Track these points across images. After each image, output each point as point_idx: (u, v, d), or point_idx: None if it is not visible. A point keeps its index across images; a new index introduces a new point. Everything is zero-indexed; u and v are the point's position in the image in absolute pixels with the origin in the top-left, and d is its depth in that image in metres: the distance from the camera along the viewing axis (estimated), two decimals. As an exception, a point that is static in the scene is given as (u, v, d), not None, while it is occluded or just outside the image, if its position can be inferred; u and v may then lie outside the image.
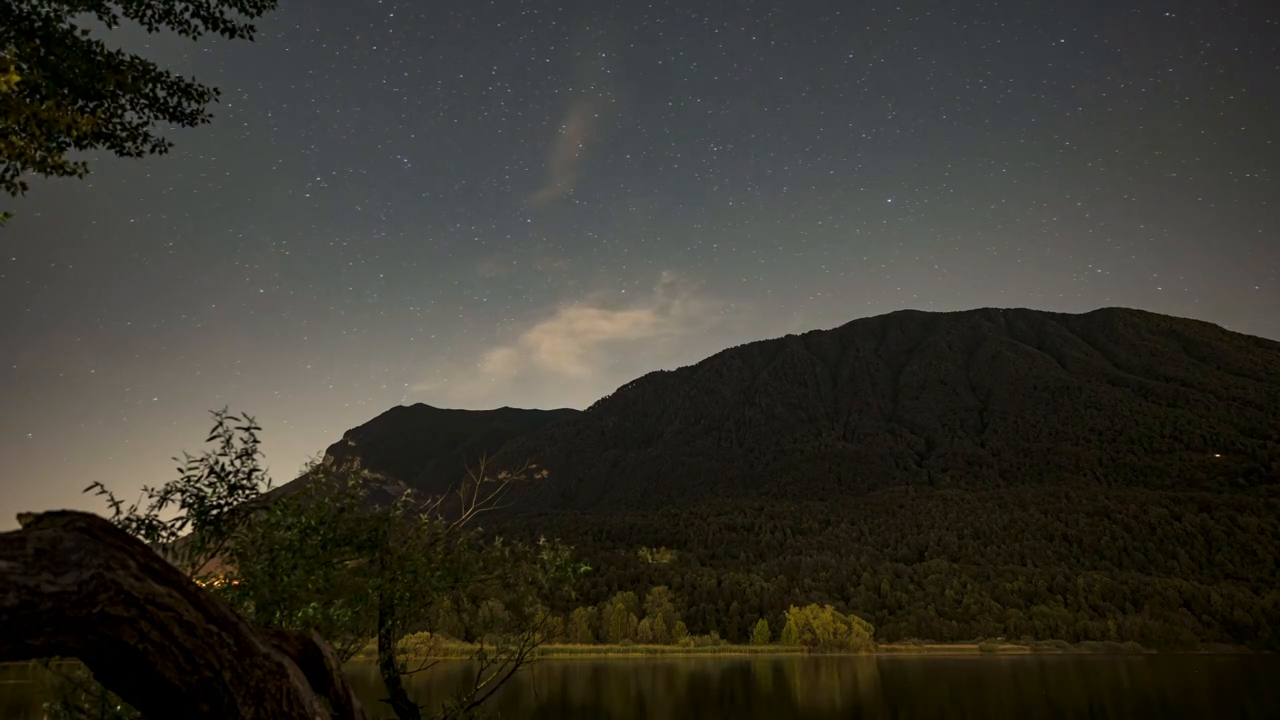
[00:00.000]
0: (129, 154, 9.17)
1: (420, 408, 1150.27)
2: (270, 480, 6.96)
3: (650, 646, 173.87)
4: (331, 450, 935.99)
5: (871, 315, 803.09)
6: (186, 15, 8.84)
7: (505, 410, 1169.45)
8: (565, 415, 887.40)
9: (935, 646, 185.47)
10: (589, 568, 9.34)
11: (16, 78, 7.23)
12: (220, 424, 6.60)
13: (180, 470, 6.42)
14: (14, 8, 7.68)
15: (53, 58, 7.97)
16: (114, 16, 8.54)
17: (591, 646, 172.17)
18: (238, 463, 6.68)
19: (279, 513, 7.11)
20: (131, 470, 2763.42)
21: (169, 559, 6.15)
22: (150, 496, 6.22)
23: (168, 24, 8.89)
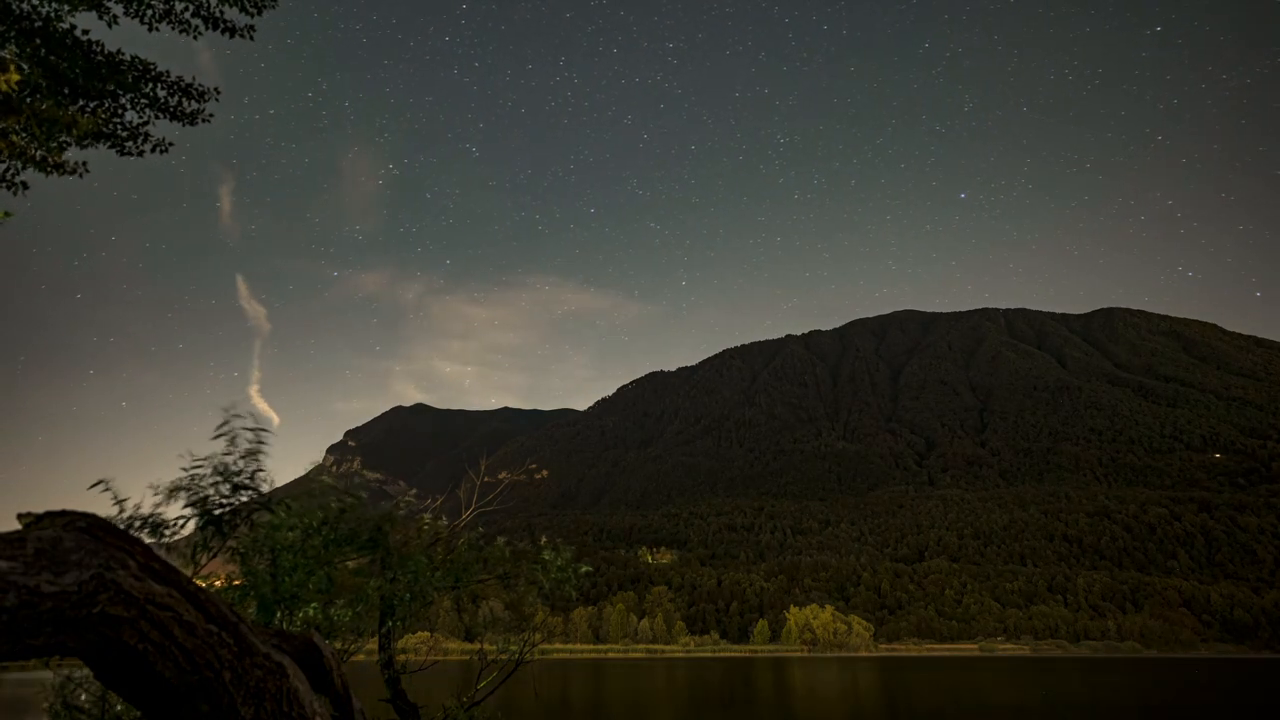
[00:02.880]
0: (130, 154, 9.17)
1: (420, 408, 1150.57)
2: (273, 480, 6.95)
3: (650, 646, 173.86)
4: (331, 450, 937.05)
5: (871, 315, 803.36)
6: (187, 15, 8.84)
7: (505, 410, 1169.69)
8: (565, 415, 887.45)
9: (935, 646, 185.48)
10: (589, 568, 9.33)
11: (17, 77, 7.22)
12: (226, 422, 6.58)
13: (184, 469, 6.41)
14: (14, 7, 7.68)
15: (53, 57, 7.96)
16: (114, 16, 8.54)
17: (591, 646, 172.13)
18: (242, 463, 6.66)
19: (282, 514, 7.10)
20: (210, 440, 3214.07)
21: (172, 559, 6.14)
22: (155, 495, 6.21)
23: (168, 24, 8.89)
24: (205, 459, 6.48)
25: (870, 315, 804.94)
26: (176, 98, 9.18)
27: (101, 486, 5.61)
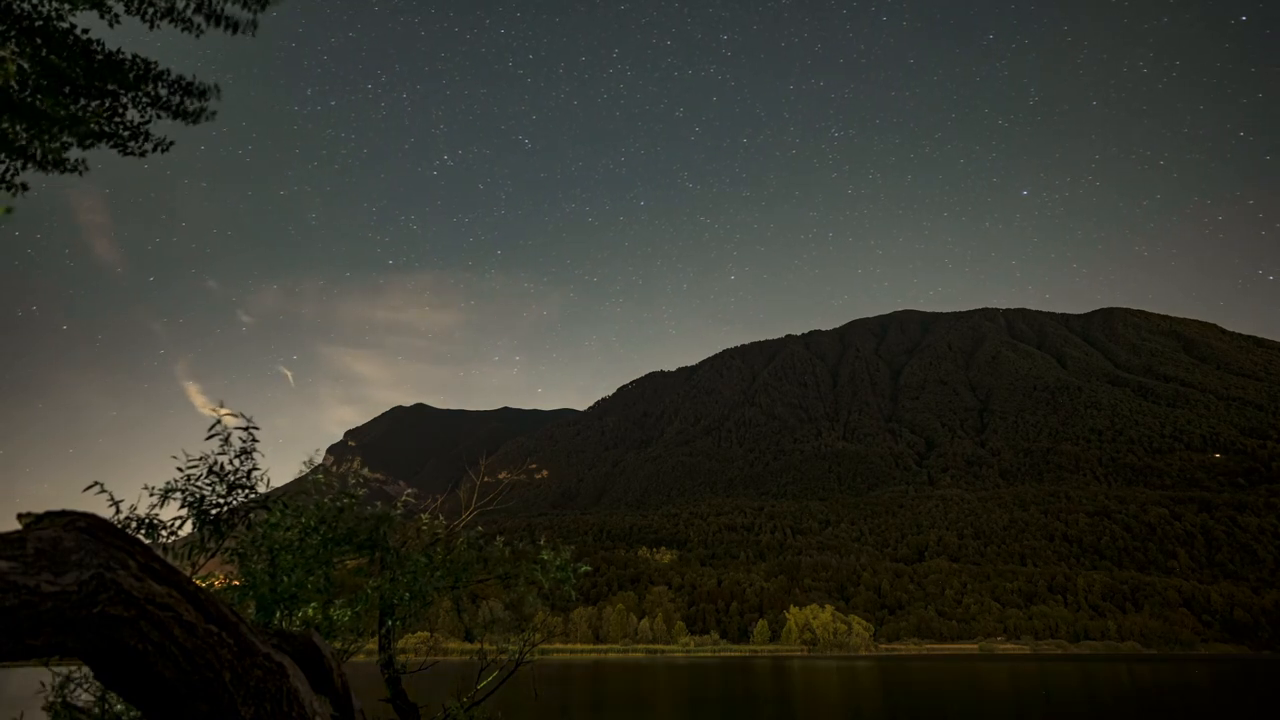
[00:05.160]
0: (131, 153, 9.16)
1: (420, 408, 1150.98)
2: (269, 480, 6.94)
3: (650, 646, 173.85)
4: (331, 450, 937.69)
5: (871, 315, 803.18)
6: (188, 12, 8.83)
7: (505, 410, 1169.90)
8: (565, 415, 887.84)
9: (935, 646, 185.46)
10: (589, 568, 9.31)
11: (17, 76, 7.23)
12: (218, 422, 6.58)
13: (179, 470, 6.40)
14: (14, 7, 7.68)
15: (53, 57, 7.96)
16: (115, 15, 8.53)
17: (591, 646, 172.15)
18: (236, 462, 6.66)
19: (279, 513, 7.09)
20: (271, 415, 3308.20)
21: (169, 559, 6.14)
22: (150, 496, 6.21)
23: (169, 21, 8.87)
24: (200, 459, 6.48)
25: (871, 315, 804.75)
26: (178, 96, 9.16)
27: (97, 489, 5.61)
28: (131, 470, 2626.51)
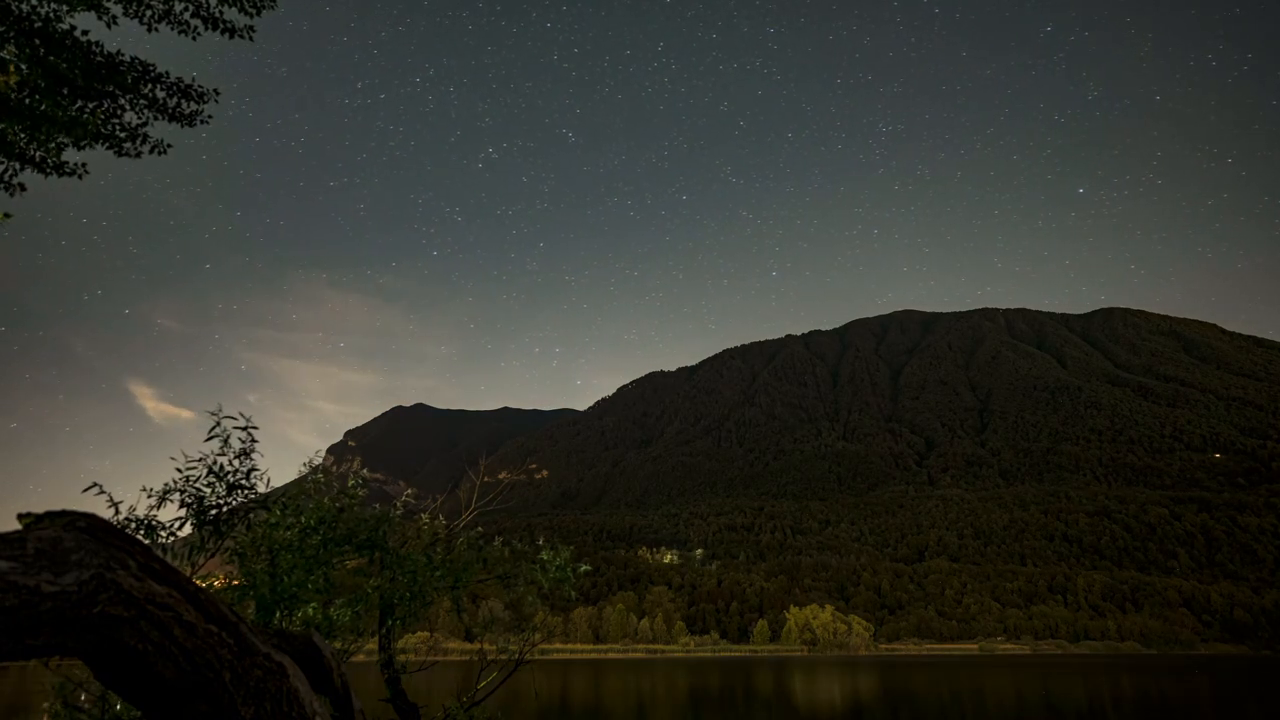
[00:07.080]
0: (128, 154, 9.17)
1: (420, 408, 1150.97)
2: (269, 480, 6.96)
3: (650, 646, 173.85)
4: (331, 450, 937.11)
5: (871, 315, 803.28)
6: (186, 15, 8.85)
7: (505, 410, 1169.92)
8: (565, 415, 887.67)
9: (935, 646, 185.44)
10: (589, 568, 9.32)
11: (16, 78, 7.25)
12: (218, 424, 6.60)
13: (179, 470, 6.42)
14: (14, 8, 7.69)
15: (52, 58, 7.97)
16: (113, 17, 8.55)
17: (591, 646, 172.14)
18: (236, 462, 6.68)
19: (279, 513, 7.11)
20: (318, 399, 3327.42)
21: (169, 559, 6.14)
22: (149, 497, 6.22)
23: (167, 24, 8.89)
24: (199, 459, 6.50)
25: (871, 315, 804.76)
26: (175, 99, 9.18)
27: (96, 489, 5.62)
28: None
